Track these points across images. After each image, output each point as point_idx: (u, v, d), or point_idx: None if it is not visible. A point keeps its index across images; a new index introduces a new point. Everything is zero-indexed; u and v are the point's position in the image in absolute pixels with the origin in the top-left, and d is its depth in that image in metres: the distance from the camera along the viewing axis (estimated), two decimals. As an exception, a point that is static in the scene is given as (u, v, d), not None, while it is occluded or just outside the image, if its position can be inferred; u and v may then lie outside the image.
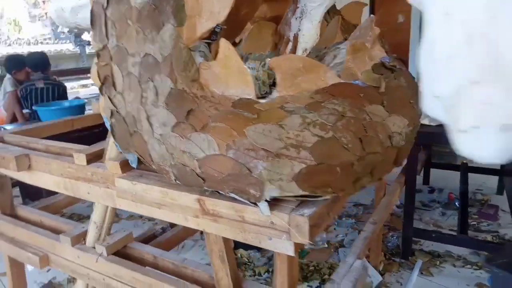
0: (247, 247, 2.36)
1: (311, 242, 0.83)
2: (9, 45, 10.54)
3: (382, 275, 2.09)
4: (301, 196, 0.85)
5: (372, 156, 0.86)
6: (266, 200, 0.84)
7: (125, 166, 1.15)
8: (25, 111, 3.35)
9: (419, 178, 3.33)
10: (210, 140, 0.85)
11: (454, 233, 2.33)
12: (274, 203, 0.87)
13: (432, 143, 2.64)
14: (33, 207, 1.93)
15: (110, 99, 1.01)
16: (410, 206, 2.13)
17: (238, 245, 2.38)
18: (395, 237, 2.44)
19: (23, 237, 1.64)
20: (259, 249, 2.37)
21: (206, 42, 1.04)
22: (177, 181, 0.94)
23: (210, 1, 0.94)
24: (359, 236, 1.55)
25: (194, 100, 0.92)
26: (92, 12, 0.98)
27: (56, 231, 1.57)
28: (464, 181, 2.68)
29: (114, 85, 1.00)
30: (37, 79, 3.26)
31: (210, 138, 0.85)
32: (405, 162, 2.16)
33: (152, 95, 0.94)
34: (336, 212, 0.97)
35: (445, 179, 3.23)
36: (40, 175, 1.43)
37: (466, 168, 2.90)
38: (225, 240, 1.08)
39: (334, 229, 2.63)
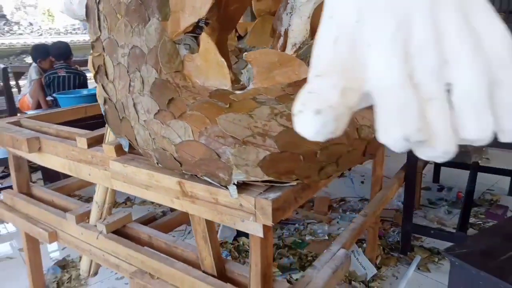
0: (248, 235, 2.43)
1: (273, 224, 0.89)
2: (41, 34, 10.97)
3: (378, 268, 2.12)
4: (269, 181, 0.91)
5: (336, 147, 0.91)
6: (236, 184, 0.90)
7: (119, 150, 1.24)
8: (48, 98, 3.54)
9: (429, 176, 3.32)
10: (186, 127, 0.93)
11: (453, 231, 2.32)
12: (244, 187, 0.94)
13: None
14: (48, 188, 2.06)
15: (103, 87, 1.10)
16: (410, 202, 2.14)
17: (240, 233, 2.46)
18: (396, 233, 2.45)
19: (35, 214, 1.77)
20: (260, 238, 2.44)
21: (193, 36, 1.11)
22: (159, 164, 1.02)
23: (193, -3, 1.00)
24: (348, 227, 1.59)
25: (176, 89, 0.99)
26: (87, 6, 1.07)
27: (65, 210, 1.69)
28: (472, 180, 2.65)
29: (106, 74, 1.08)
30: (59, 67, 3.43)
31: (186, 125, 0.93)
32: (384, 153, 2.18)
33: (138, 84, 1.02)
34: (305, 198, 1.02)
35: (456, 178, 3.20)
36: (49, 157, 1.54)
37: (476, 167, 2.87)
38: (208, 222, 1.15)
39: (337, 222, 2.67)
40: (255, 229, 0.97)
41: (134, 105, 1.02)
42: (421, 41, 0.35)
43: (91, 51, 1.12)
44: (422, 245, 2.34)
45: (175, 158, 0.96)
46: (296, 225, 2.62)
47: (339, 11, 0.39)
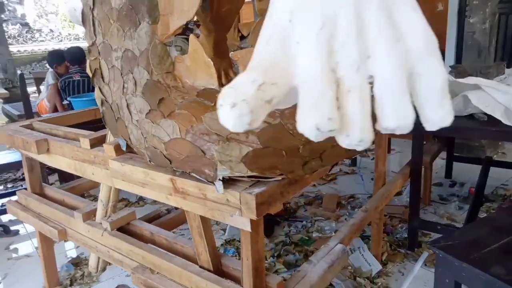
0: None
1: (256, 217, 0.92)
2: (61, 40, 11.27)
3: (385, 264, 2.12)
4: (254, 177, 0.94)
5: (319, 142, 0.93)
6: (222, 180, 0.94)
7: (119, 149, 1.29)
8: (64, 102, 3.65)
9: (441, 172, 3.27)
10: (174, 126, 0.96)
11: (461, 226, 2.29)
12: (231, 183, 0.97)
13: (440, 134, 2.57)
14: (60, 188, 2.15)
15: (100, 89, 1.15)
16: (416, 198, 2.13)
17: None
18: (404, 229, 2.44)
19: (46, 213, 1.85)
20: (267, 236, 2.46)
21: (184, 38, 1.15)
22: (151, 162, 1.06)
23: (180, 0, 1.04)
24: (347, 223, 1.60)
25: (167, 90, 1.03)
26: (82, 12, 1.12)
27: (75, 209, 1.76)
28: (483, 174, 2.61)
29: (102, 77, 1.13)
30: (74, 72, 3.54)
31: (174, 123, 0.96)
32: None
33: (131, 86, 1.06)
34: (292, 192, 1.04)
35: (469, 174, 3.14)
36: (56, 157, 1.61)
37: (489, 162, 2.81)
38: (203, 218, 1.19)
39: (345, 219, 2.66)
40: (243, 224, 1.00)
41: (128, 105, 1.07)
42: (344, 37, 0.38)
43: (89, 55, 1.17)
44: (430, 241, 2.32)
45: (165, 156, 0.99)
46: (304, 222, 2.63)
47: (276, 11, 0.42)
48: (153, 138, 1.00)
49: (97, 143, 1.42)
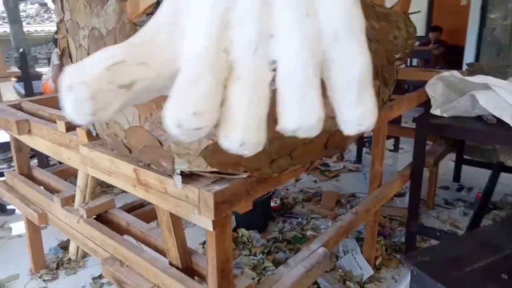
0: (248, 227, 2.39)
1: (214, 218, 0.84)
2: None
3: (378, 269, 2.02)
4: (218, 172, 0.86)
5: (288, 138, 0.84)
6: (182, 174, 0.86)
7: (91, 134, 1.22)
8: (69, 83, 3.63)
9: (449, 175, 3.12)
10: (135, 112, 0.89)
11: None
12: (194, 177, 0.89)
13: (444, 135, 2.44)
14: (48, 171, 2.11)
15: (68, 70, 1.08)
16: (415, 201, 2.01)
17: (240, 224, 2.42)
18: (403, 233, 2.33)
19: (30, 195, 1.81)
20: (259, 231, 2.39)
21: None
22: (114, 151, 1.00)
23: (151, -24, 0.95)
24: (333, 225, 1.51)
25: (132, 73, 0.96)
26: (50, -13, 1.04)
27: (58, 192, 1.72)
28: (492, 180, 2.47)
29: (70, 56, 1.06)
30: (78, 54, 3.51)
31: (135, 110, 0.89)
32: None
33: (97, 67, 0.99)
34: (261, 191, 0.96)
35: (479, 178, 2.99)
36: (37, 139, 1.56)
37: (499, 167, 2.67)
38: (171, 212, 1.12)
39: (343, 218, 2.57)
40: (205, 223, 0.92)
41: (92, 88, 1.00)
42: (243, 10, 0.29)
43: (58, 33, 1.10)
44: (405, 255, 2.20)
45: (124, 145, 0.92)
46: (300, 219, 2.54)
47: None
48: (114, 125, 0.93)
49: (73, 126, 1.36)
